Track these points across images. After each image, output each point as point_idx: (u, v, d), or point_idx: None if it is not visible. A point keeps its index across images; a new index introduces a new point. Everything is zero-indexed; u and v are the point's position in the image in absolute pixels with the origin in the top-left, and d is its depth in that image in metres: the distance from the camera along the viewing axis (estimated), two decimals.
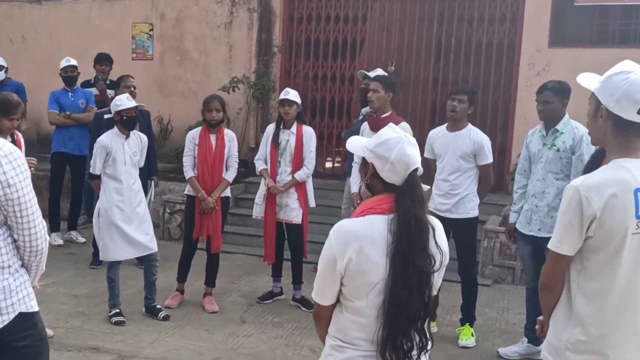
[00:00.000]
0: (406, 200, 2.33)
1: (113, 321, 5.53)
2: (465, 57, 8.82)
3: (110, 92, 8.01)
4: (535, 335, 5.11)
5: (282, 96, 5.97)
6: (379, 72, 6.99)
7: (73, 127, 7.48)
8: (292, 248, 6.16)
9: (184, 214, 6.26)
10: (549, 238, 4.66)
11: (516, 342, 5.28)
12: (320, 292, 2.46)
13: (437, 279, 2.41)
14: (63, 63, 7.52)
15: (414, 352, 2.32)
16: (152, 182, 6.85)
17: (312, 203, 6.19)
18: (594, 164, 4.39)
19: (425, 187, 2.42)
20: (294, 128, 6.04)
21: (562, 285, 2.52)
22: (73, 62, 7.57)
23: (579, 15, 8.44)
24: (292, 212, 6.03)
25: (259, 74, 9.20)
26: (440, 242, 2.39)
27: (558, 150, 4.83)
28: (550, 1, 8.35)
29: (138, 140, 5.64)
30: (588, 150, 4.71)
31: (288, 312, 6.02)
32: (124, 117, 5.47)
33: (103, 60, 8.04)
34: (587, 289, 2.46)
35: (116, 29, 9.87)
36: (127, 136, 5.54)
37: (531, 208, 4.96)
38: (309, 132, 6.11)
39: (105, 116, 6.03)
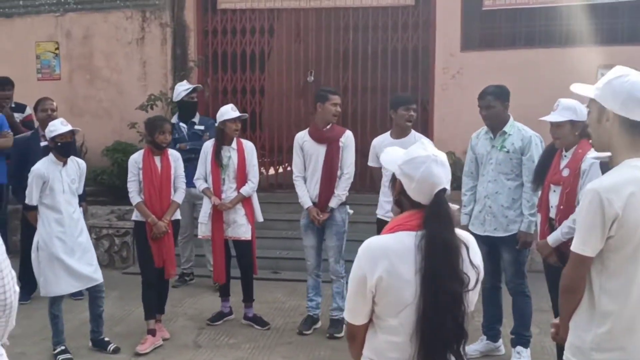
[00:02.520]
0: (433, 222, 2.28)
1: (60, 359, 5.20)
2: (383, 64, 8.96)
3: (17, 116, 7.56)
4: (494, 332, 5.26)
5: (233, 114, 5.79)
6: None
7: None
8: (242, 265, 6.02)
9: (135, 242, 5.90)
10: (506, 237, 4.92)
11: (475, 341, 5.38)
12: (353, 312, 2.41)
13: (473, 296, 2.38)
14: None
15: None
16: (81, 208, 6.48)
17: (260, 217, 6.08)
18: (545, 163, 4.59)
19: (454, 207, 2.38)
20: (234, 143, 5.93)
21: (584, 286, 2.56)
22: None
23: (487, 19, 8.76)
24: (241, 228, 5.90)
25: None
26: (474, 259, 2.35)
27: (508, 151, 4.97)
28: (459, 6, 8.62)
29: (76, 166, 5.34)
30: (537, 151, 4.89)
31: (242, 332, 5.87)
32: (59, 144, 5.16)
33: (4, 84, 7.53)
34: (610, 287, 2.50)
35: (18, 49, 9.34)
36: (64, 163, 5.23)
37: (485, 209, 5.08)
38: (249, 145, 6.02)
39: (42, 144, 5.65)
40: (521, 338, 5.06)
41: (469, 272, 2.30)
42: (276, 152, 9.28)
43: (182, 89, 7.21)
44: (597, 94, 2.56)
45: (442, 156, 2.38)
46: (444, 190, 2.33)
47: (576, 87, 2.70)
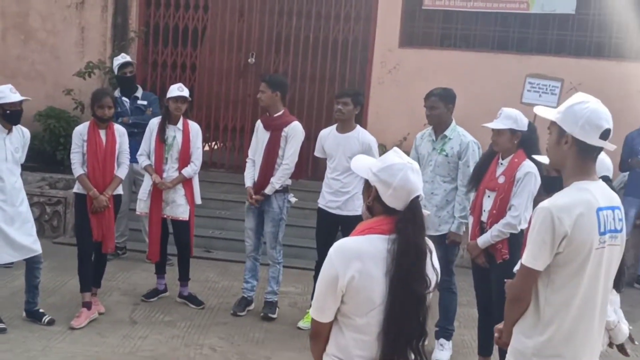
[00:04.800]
0: (407, 227, 2.39)
1: None
2: (323, 53, 9.11)
3: None
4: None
5: (176, 93, 5.87)
6: None
7: None
8: (179, 245, 6.12)
9: (75, 214, 5.87)
10: (437, 236, 5.21)
11: None
12: (321, 310, 2.49)
13: (430, 297, 2.52)
14: None
15: None
16: None
17: (199, 200, 6.20)
18: (482, 168, 4.92)
19: (426, 213, 2.51)
20: (180, 124, 6.00)
21: (530, 297, 2.78)
22: None
23: (426, 18, 9.06)
24: (179, 208, 6.00)
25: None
26: (435, 263, 2.49)
27: (447, 155, 5.25)
28: (400, 3, 8.86)
29: (20, 135, 5.30)
30: (473, 157, 5.19)
31: (177, 309, 5.99)
32: (8, 112, 5.10)
33: None
34: (554, 300, 2.74)
35: None
36: (10, 131, 5.18)
37: None
38: (195, 128, 6.09)
39: None
40: (445, 331, 5.40)
41: (430, 275, 2.46)
42: (212, 129, 9.32)
43: (116, 63, 7.21)
44: (559, 118, 2.76)
45: (416, 164, 2.52)
46: (419, 196, 2.46)
47: (539, 111, 2.90)
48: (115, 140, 5.61)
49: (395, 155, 2.51)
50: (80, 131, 5.58)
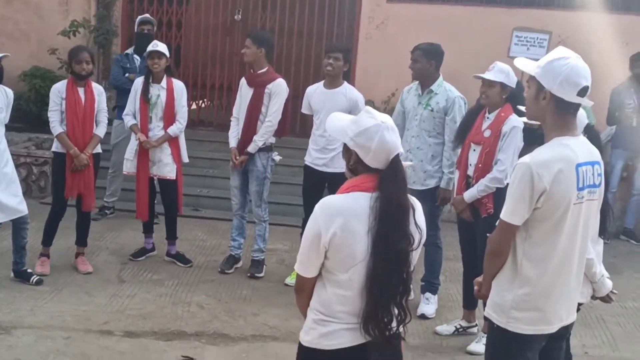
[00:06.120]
0: (389, 185, 2.41)
1: None
2: (310, 8, 8.99)
3: None
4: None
5: (150, 48, 5.81)
6: None
7: None
8: (166, 204, 6.12)
9: (52, 172, 5.90)
10: (423, 190, 5.22)
11: None
12: (305, 265, 2.52)
13: (415, 256, 2.51)
14: None
15: (394, 324, 2.47)
16: None
17: (186, 158, 6.17)
18: (467, 122, 4.90)
19: (407, 164, 2.53)
20: (164, 82, 5.94)
21: (509, 251, 2.80)
22: None
23: None
24: (166, 167, 5.98)
25: (100, 18, 8.72)
26: (419, 221, 2.50)
27: (432, 110, 5.22)
28: None
29: (3, 95, 5.24)
30: (459, 112, 5.16)
31: (165, 268, 6.02)
32: None
33: None
34: (533, 254, 2.76)
35: None
36: None
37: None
38: (179, 86, 6.03)
39: None
40: (430, 285, 5.45)
41: (414, 233, 2.47)
42: (199, 88, 9.24)
43: (138, 19, 7.35)
44: (538, 73, 2.73)
45: (390, 120, 2.49)
46: (399, 154, 2.46)
47: (519, 63, 2.86)
48: (94, 99, 5.58)
49: (368, 117, 2.50)
50: (59, 89, 5.54)
